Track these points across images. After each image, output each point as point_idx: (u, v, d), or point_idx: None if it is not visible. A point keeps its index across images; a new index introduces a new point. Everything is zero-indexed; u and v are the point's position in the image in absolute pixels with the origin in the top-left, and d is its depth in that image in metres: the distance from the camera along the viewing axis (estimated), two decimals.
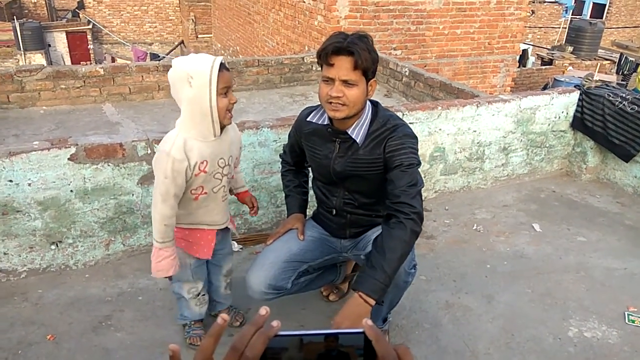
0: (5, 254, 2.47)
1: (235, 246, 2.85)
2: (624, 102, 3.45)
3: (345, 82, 1.71)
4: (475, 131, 3.40)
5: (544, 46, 17.01)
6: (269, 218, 3.01)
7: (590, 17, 20.21)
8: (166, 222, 1.76)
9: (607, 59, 14.93)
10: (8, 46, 15.93)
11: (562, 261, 2.87)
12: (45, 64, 14.74)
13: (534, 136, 3.69)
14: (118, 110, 5.20)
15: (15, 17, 15.70)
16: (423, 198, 3.42)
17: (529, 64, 14.94)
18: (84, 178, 2.49)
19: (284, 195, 2.24)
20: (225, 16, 11.83)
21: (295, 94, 5.82)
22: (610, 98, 3.52)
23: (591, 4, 22.48)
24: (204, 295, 2.11)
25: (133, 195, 2.62)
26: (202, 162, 1.74)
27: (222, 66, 1.66)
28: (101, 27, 17.59)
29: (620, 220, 3.35)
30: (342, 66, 1.70)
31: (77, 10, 17.68)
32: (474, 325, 2.35)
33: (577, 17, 20.29)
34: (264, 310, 0.62)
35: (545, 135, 3.73)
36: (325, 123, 1.90)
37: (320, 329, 0.61)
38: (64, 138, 2.48)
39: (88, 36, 17.19)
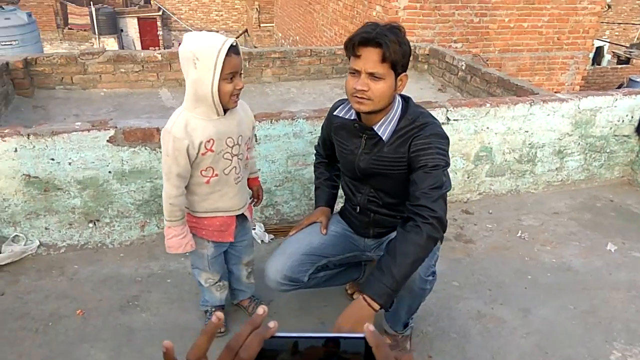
0: (46, 228, 2.59)
1: (267, 237, 2.84)
2: None
3: (372, 75, 1.63)
4: (527, 131, 3.19)
5: (622, 44, 15.83)
6: (302, 210, 2.97)
7: None
8: (171, 201, 1.75)
9: None
10: (85, 30, 16.84)
11: (612, 277, 2.64)
12: (117, 48, 15.46)
13: (594, 140, 3.42)
14: (173, 95, 5.33)
15: (92, 2, 16.54)
16: (466, 199, 3.30)
17: (604, 63, 13.96)
18: (122, 160, 2.56)
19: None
20: (287, 5, 11.88)
21: None
22: None
23: None
24: (222, 283, 2.11)
25: None
26: (209, 141, 1.71)
27: (232, 50, 1.60)
28: (170, 14, 18.18)
29: None
30: (369, 58, 1.61)
31: None
32: (506, 339, 2.21)
33: None
34: (261, 310, 0.61)
35: (606, 139, 3.45)
36: (353, 118, 1.83)
37: (319, 332, 0.59)
38: (104, 120, 2.55)
39: (158, 23, 17.82)
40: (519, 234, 2.99)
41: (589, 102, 3.25)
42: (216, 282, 2.07)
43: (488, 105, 3.04)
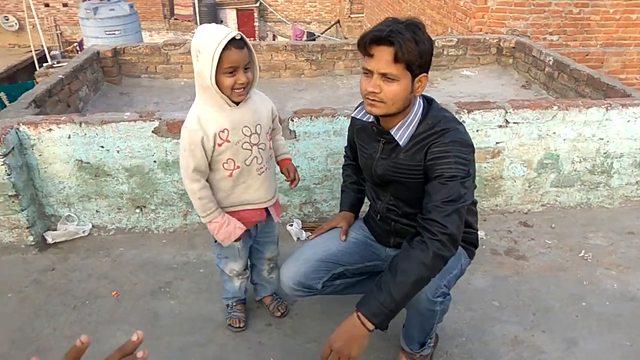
0: (97, 211, 2.76)
1: (303, 234, 2.80)
2: None
3: (385, 76, 1.51)
4: (602, 139, 2.82)
5: None
6: None
7: None
8: (198, 195, 1.77)
9: None
10: (189, 21, 17.85)
11: None
12: None
13: None
14: None
15: None
16: (526, 211, 3.00)
17: None
18: (166, 151, 2.65)
19: None
20: None
21: None
22: None
23: None
24: (245, 273, 2.14)
25: None
26: (223, 131, 1.71)
27: (233, 44, 1.58)
28: (267, 6, 18.67)
29: None
30: (382, 58, 1.49)
31: None
32: None
33: None
34: (135, 337, 0.60)
35: None
36: (370, 120, 1.72)
37: None
38: (152, 111, 2.65)
39: (255, 14, 18.41)
40: (581, 254, 2.67)
41: None
42: (240, 273, 2.11)
43: (555, 107, 2.73)
